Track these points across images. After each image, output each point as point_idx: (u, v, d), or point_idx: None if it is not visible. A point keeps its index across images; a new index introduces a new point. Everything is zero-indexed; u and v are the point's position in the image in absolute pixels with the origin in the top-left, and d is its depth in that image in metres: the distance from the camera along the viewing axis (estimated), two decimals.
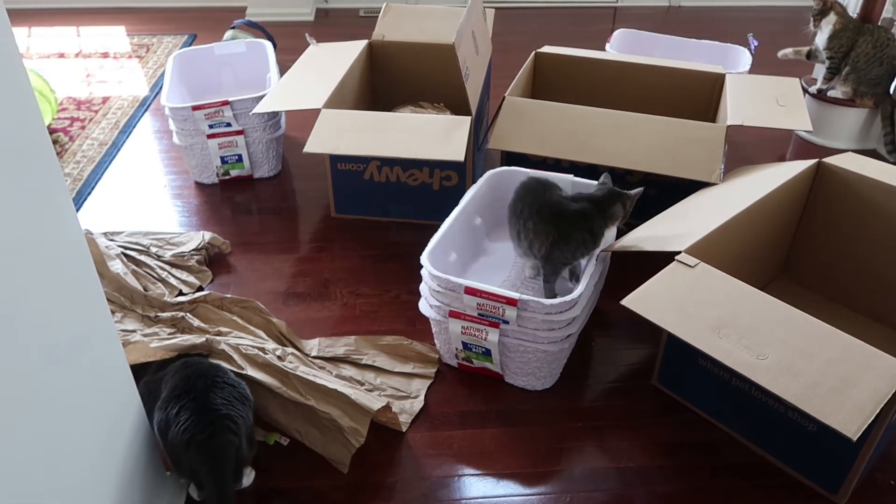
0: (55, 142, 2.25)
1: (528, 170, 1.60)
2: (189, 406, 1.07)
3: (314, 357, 1.42)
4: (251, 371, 1.24)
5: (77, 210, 1.92)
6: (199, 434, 1.04)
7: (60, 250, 0.83)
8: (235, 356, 1.26)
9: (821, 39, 2.20)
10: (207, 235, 1.74)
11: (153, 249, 1.69)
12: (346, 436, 1.19)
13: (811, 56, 2.28)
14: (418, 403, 1.34)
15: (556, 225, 1.36)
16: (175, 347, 1.26)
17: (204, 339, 1.28)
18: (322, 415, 1.20)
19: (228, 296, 1.50)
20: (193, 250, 1.70)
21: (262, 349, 1.32)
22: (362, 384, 1.36)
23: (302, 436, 1.25)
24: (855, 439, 0.91)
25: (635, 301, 1.15)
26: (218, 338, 1.31)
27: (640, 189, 1.39)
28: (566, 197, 1.42)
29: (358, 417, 1.20)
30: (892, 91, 2.12)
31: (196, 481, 1.12)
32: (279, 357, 1.32)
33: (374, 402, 1.22)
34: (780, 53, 2.34)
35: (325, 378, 1.28)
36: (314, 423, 1.23)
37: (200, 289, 1.61)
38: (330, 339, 1.46)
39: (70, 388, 0.85)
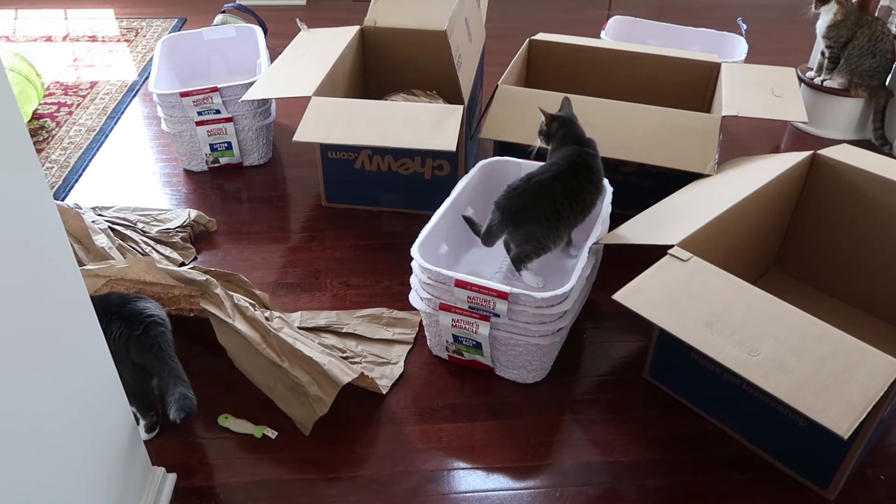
0: (42, 127, 2.21)
1: (521, 160, 1.58)
2: (115, 318, 1.13)
3: (297, 328, 1.44)
4: (238, 322, 1.28)
5: (64, 197, 1.89)
6: (134, 332, 1.11)
7: (38, 241, 0.81)
8: (227, 304, 1.30)
9: (820, 27, 2.17)
10: (193, 213, 1.75)
11: (140, 225, 1.71)
12: (311, 402, 1.23)
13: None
14: (398, 369, 1.39)
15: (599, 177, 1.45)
16: (176, 275, 1.31)
17: (204, 278, 1.32)
18: (293, 378, 1.24)
19: (213, 269, 1.48)
20: (178, 227, 1.71)
21: (254, 305, 1.36)
22: (343, 352, 1.40)
23: (270, 390, 1.28)
24: (846, 437, 0.91)
25: (627, 295, 1.13)
26: (215, 280, 1.34)
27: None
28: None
29: (326, 388, 1.23)
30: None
31: (143, 400, 1.20)
32: (267, 318, 1.35)
33: (345, 375, 1.24)
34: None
35: (305, 343, 1.31)
36: (283, 381, 1.27)
37: (183, 265, 1.62)
38: (311, 312, 1.50)
39: (50, 378, 0.83)
